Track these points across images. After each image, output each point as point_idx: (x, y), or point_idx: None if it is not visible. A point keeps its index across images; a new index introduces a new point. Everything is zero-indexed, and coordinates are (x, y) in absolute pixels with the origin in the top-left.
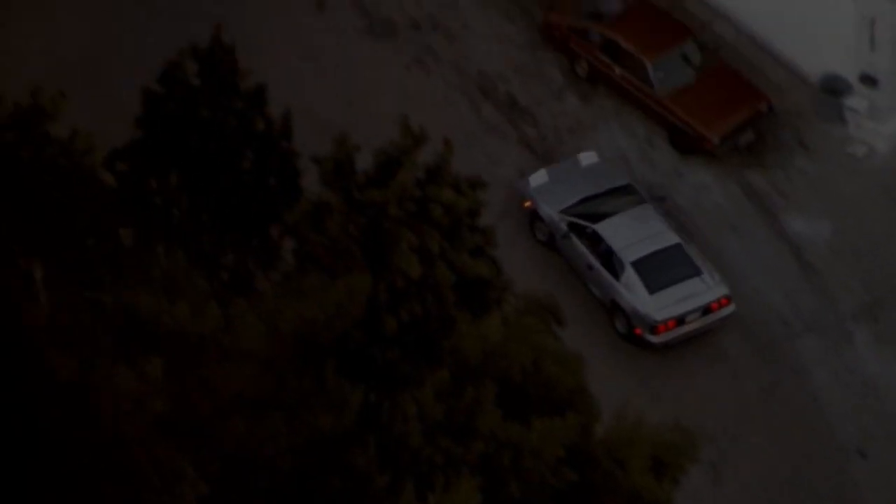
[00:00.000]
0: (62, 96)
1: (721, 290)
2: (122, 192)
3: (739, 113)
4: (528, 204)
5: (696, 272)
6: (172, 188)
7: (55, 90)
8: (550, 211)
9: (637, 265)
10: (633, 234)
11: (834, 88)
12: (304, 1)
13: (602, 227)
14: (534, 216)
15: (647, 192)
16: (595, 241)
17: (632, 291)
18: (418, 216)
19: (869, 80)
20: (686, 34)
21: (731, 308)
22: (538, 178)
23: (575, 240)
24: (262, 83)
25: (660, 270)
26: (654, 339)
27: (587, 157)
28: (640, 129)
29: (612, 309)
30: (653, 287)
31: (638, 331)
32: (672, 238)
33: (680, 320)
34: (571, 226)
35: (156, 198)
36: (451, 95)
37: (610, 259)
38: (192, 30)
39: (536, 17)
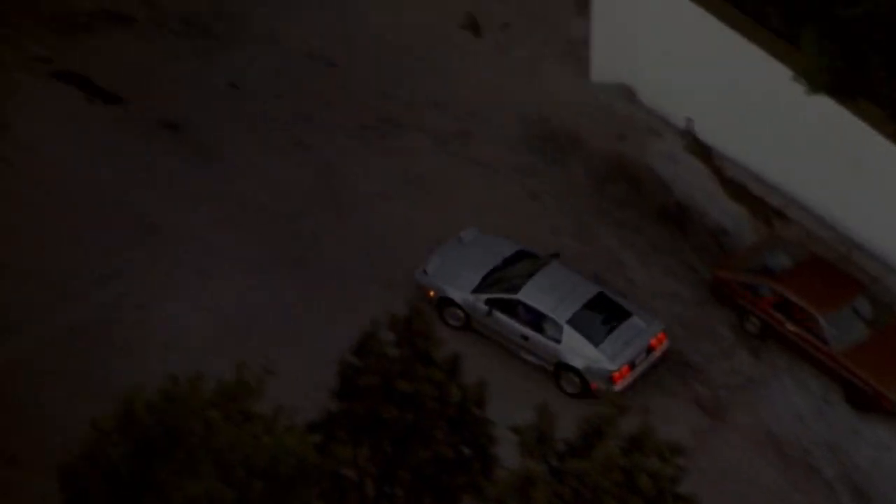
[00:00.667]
0: (267, 372)
1: (658, 326)
2: (319, 465)
3: None
4: (432, 293)
5: (627, 314)
6: (366, 460)
7: (260, 366)
8: (462, 294)
9: (573, 322)
10: (555, 293)
11: None
12: None
13: (525, 295)
14: (442, 303)
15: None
16: (522, 311)
17: (577, 350)
18: (624, 485)
19: None
20: (858, 288)
21: (667, 343)
22: (432, 265)
23: (499, 315)
24: (456, 352)
25: (595, 321)
26: (613, 389)
27: (468, 233)
28: (814, 386)
29: (559, 371)
30: (596, 340)
31: (594, 385)
32: (593, 287)
33: (631, 364)
34: (491, 302)
35: (349, 470)
36: None
37: (541, 324)
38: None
39: (702, 273)
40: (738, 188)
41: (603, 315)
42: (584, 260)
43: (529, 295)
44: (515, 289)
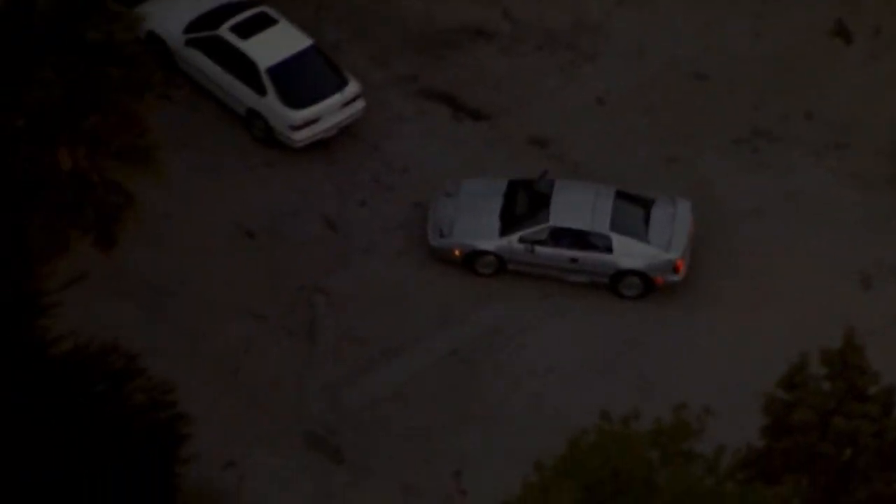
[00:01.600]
0: (707, 412)
1: (683, 202)
2: None
3: None
4: (458, 252)
5: (651, 201)
6: (804, 500)
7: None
8: (492, 242)
9: (615, 228)
10: (581, 207)
11: None
12: None
13: (556, 220)
14: (470, 257)
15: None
16: (562, 236)
17: (632, 252)
18: None
19: None
20: None
21: None
22: (443, 225)
23: (540, 249)
24: (892, 384)
25: (631, 219)
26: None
27: (451, 185)
28: None
29: (616, 279)
30: (643, 236)
31: (659, 280)
32: (608, 188)
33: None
34: (525, 238)
35: None
36: None
37: (586, 241)
38: None
39: None
40: None
41: (633, 211)
42: None
43: (560, 218)
44: (543, 217)
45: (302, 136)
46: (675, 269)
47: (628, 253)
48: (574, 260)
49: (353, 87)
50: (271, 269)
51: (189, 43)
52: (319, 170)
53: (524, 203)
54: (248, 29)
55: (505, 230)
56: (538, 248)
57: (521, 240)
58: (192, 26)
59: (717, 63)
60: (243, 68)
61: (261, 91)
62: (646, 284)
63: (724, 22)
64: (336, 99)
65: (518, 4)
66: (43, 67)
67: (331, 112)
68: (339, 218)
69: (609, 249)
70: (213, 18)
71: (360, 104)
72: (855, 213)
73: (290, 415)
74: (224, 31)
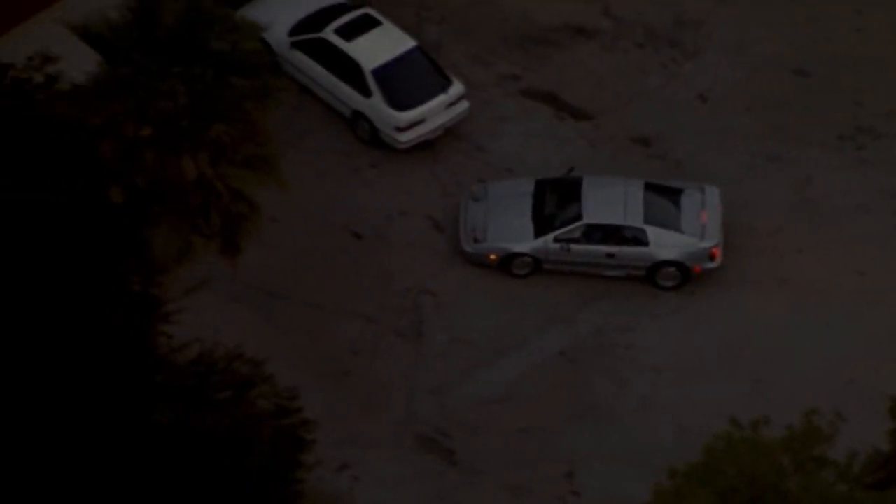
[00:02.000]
0: (839, 417)
1: (712, 189)
2: None
3: None
4: (493, 257)
5: (680, 190)
6: None
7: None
8: (528, 244)
9: (650, 221)
10: (612, 202)
11: None
12: None
13: (590, 217)
14: (506, 260)
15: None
16: (596, 233)
17: (668, 243)
18: None
19: None
20: None
21: None
22: (477, 231)
23: (576, 247)
24: None
25: (663, 211)
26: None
27: (478, 189)
28: None
29: (653, 271)
30: (677, 226)
31: (697, 268)
32: (637, 181)
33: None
34: (560, 238)
35: None
36: None
37: (621, 236)
38: None
39: None
40: None
41: (664, 202)
42: None
43: (593, 215)
44: (576, 216)
45: (407, 138)
46: (712, 257)
47: (664, 244)
48: (610, 255)
49: (456, 88)
50: (379, 271)
51: (294, 46)
52: (424, 170)
53: (554, 202)
54: (352, 31)
55: (539, 231)
56: (574, 247)
57: (557, 239)
58: (296, 29)
59: (819, 59)
60: (348, 70)
61: (366, 93)
62: (683, 274)
63: (825, 18)
64: (440, 100)
65: (618, 2)
66: (169, 78)
67: (435, 113)
68: (444, 218)
69: (645, 242)
70: (316, 21)
71: (463, 105)
72: None
73: (401, 416)
74: (328, 34)
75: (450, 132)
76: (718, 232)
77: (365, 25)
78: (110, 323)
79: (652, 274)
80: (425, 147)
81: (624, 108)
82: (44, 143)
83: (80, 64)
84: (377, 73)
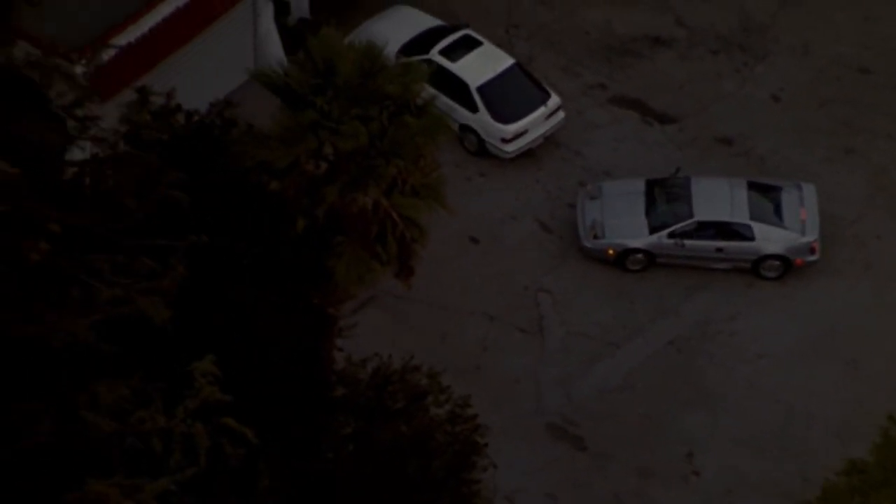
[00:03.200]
0: None
1: (808, 186)
2: None
3: None
4: (612, 251)
5: (779, 188)
6: None
7: None
8: (644, 240)
9: (755, 217)
10: (720, 200)
11: None
12: None
13: (700, 215)
14: (622, 255)
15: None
16: (706, 229)
17: (771, 238)
18: None
19: None
20: None
21: None
22: (596, 228)
23: (689, 242)
24: None
25: (765, 207)
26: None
27: (594, 189)
28: None
29: (758, 263)
30: (779, 223)
31: (799, 261)
32: (740, 180)
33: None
34: (674, 234)
35: None
36: None
37: (729, 231)
38: None
39: None
40: None
41: (766, 199)
42: None
43: (704, 213)
44: (688, 214)
45: (512, 148)
46: (812, 251)
47: (768, 238)
48: (720, 249)
49: (554, 100)
50: (497, 272)
51: None
52: (529, 177)
53: (664, 200)
54: (456, 51)
55: (654, 228)
56: (687, 242)
57: (671, 235)
58: (404, 50)
59: (878, 56)
60: (455, 88)
61: (472, 108)
62: (785, 266)
63: (881, 16)
64: (541, 112)
65: (688, 11)
66: (350, 121)
67: (536, 124)
68: (551, 220)
69: (751, 237)
70: (422, 43)
71: (560, 115)
72: None
73: (531, 407)
74: (435, 55)
75: (549, 141)
76: (817, 227)
77: (467, 46)
78: (298, 342)
79: (756, 266)
80: (528, 155)
81: (704, 111)
82: (233, 183)
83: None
84: (482, 89)
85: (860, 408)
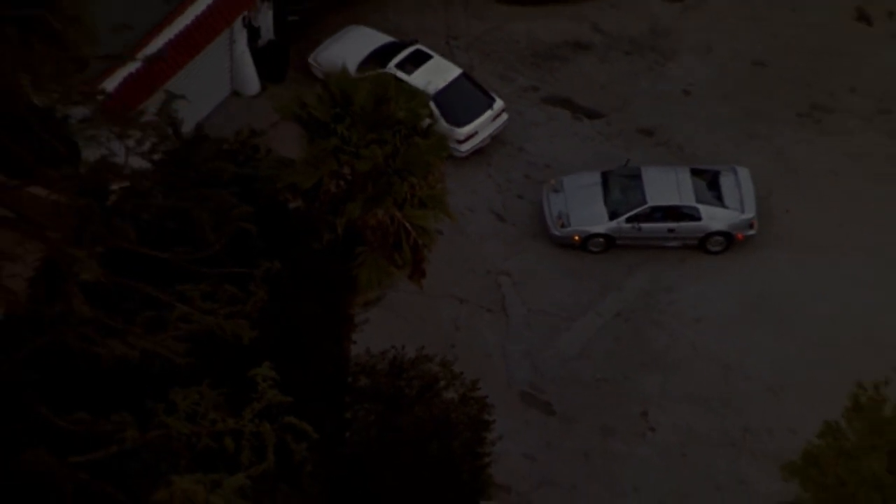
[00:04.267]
0: None
1: (742, 169)
2: None
3: None
4: (577, 237)
5: (717, 172)
6: None
7: None
8: (605, 225)
9: (700, 200)
10: (668, 186)
11: None
12: None
13: (653, 200)
14: (586, 240)
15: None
16: (658, 213)
17: (716, 217)
18: None
19: None
20: None
21: None
22: (561, 218)
23: (645, 225)
24: None
25: (707, 190)
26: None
27: (558, 183)
28: None
29: (704, 240)
30: (721, 203)
31: (740, 235)
32: (684, 168)
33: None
34: (631, 219)
35: None
36: None
37: (679, 213)
38: None
39: None
40: None
41: (707, 182)
42: None
43: (656, 198)
44: (641, 201)
45: (466, 148)
46: (751, 226)
47: (713, 217)
48: (671, 230)
49: (499, 103)
50: (462, 259)
51: None
52: (481, 172)
53: (619, 190)
54: (410, 64)
55: (612, 215)
56: (643, 225)
57: (628, 220)
58: (363, 65)
59: (769, 51)
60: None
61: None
62: (728, 241)
63: (768, 17)
64: (488, 114)
65: (602, 18)
66: (368, 145)
67: (485, 125)
68: (504, 210)
69: (698, 217)
70: (378, 57)
71: (504, 116)
72: None
73: (502, 378)
74: (392, 69)
75: (496, 139)
76: (754, 205)
77: (420, 59)
78: (331, 344)
79: (703, 242)
80: (479, 153)
81: (626, 106)
82: (265, 205)
83: None
84: (436, 98)
85: (788, 364)
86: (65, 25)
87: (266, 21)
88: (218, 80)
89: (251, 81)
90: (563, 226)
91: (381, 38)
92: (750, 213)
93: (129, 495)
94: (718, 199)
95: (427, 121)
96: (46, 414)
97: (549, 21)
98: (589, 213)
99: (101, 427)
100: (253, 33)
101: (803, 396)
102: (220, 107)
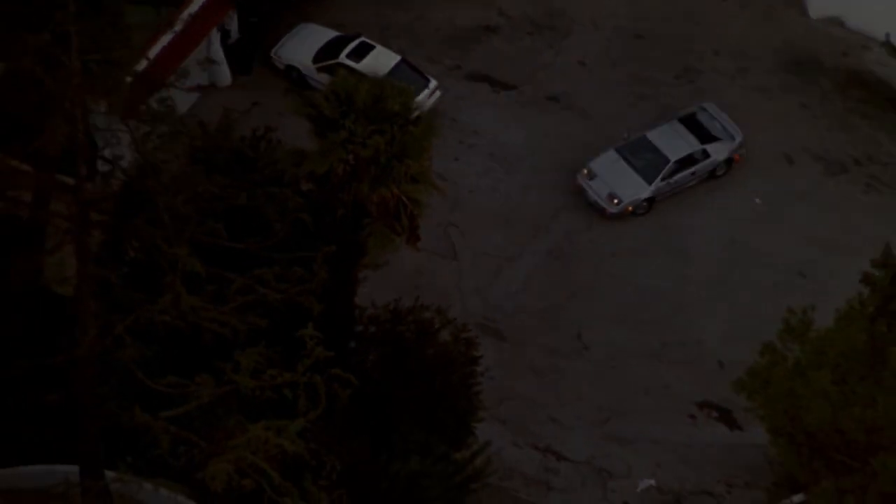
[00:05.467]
0: None
1: (706, 103)
2: None
3: None
4: (631, 209)
5: (693, 114)
6: None
7: None
8: (650, 191)
9: (704, 142)
10: (677, 141)
11: None
12: None
13: (673, 156)
14: (638, 207)
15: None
16: (679, 165)
17: (719, 151)
18: None
19: None
20: None
21: None
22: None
23: (675, 177)
24: None
25: (702, 133)
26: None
27: (593, 163)
28: None
29: (714, 170)
30: (719, 138)
31: (738, 157)
32: (674, 121)
33: None
34: (665, 177)
35: None
36: None
37: (694, 158)
38: None
39: None
40: None
41: (696, 124)
42: (849, 145)
43: (674, 154)
44: (665, 160)
45: None
46: (743, 146)
47: (718, 151)
48: (693, 173)
49: (433, 83)
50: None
51: (320, 70)
52: None
53: (637, 157)
54: (358, 54)
55: (649, 180)
56: (673, 179)
57: (663, 178)
58: (317, 57)
59: (645, 24)
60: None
61: None
62: (729, 165)
63: None
64: (426, 93)
65: (506, 4)
66: (372, 135)
67: (424, 102)
68: (446, 171)
69: (709, 155)
70: (329, 50)
71: (438, 93)
72: (768, 113)
73: (460, 312)
74: (343, 59)
75: (432, 112)
76: (738, 128)
77: (365, 49)
78: (346, 303)
79: (712, 173)
80: None
81: (533, 77)
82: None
83: None
84: None
85: (688, 286)
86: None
87: (233, 23)
88: (198, 74)
89: (224, 74)
90: (617, 203)
91: (330, 33)
92: (739, 137)
93: (211, 442)
94: (711, 135)
95: (417, 112)
96: (142, 378)
97: (462, 8)
98: (632, 186)
99: (189, 389)
100: (224, 34)
101: (705, 312)
102: (200, 97)
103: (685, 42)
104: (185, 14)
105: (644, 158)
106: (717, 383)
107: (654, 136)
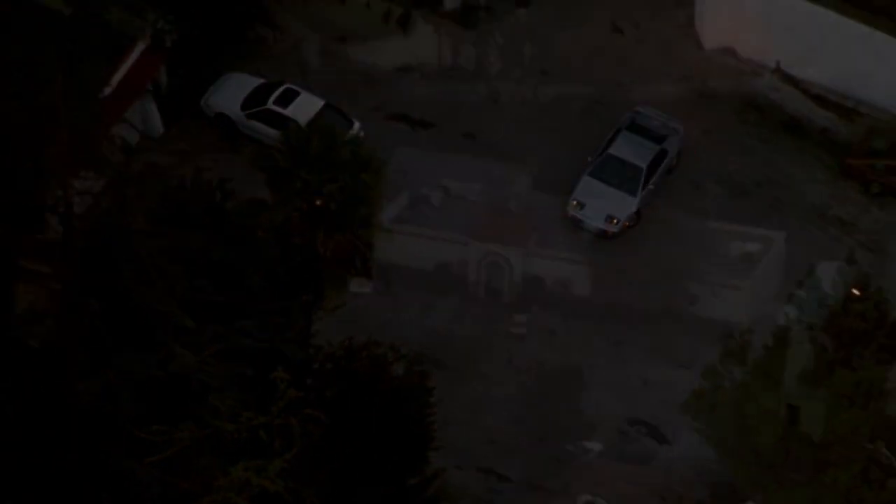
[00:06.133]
0: None
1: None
2: None
3: None
4: (627, 224)
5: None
6: None
7: None
8: (643, 202)
9: (662, 145)
10: (638, 149)
11: None
12: None
13: (643, 163)
14: (633, 218)
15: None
16: (652, 167)
17: (672, 146)
18: None
19: None
20: None
21: None
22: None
23: (652, 181)
24: None
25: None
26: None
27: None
28: None
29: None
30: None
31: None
32: (627, 128)
33: None
34: (644, 185)
35: None
36: None
37: (660, 160)
38: None
39: (825, 159)
40: (822, 100)
41: (643, 132)
42: (751, 166)
43: (642, 161)
44: (639, 169)
45: None
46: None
47: (671, 146)
48: (668, 171)
49: (357, 125)
50: None
51: (249, 116)
52: None
53: (612, 174)
54: (284, 100)
55: (633, 192)
56: (651, 181)
57: (643, 187)
58: (245, 105)
59: (550, 61)
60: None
61: None
62: (679, 157)
63: (545, 34)
64: (351, 135)
65: (419, 48)
66: (326, 183)
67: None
68: None
69: (666, 151)
70: (256, 97)
71: (362, 133)
72: None
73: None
74: (271, 105)
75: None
76: (676, 119)
77: (291, 95)
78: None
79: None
80: None
81: (451, 115)
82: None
83: None
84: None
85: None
86: None
87: (163, 76)
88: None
89: (157, 124)
90: (616, 223)
91: (255, 81)
92: (681, 128)
93: (196, 485)
94: (661, 134)
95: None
96: (127, 427)
97: (379, 52)
98: (621, 202)
99: (174, 434)
100: (156, 86)
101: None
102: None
103: (591, 74)
104: (119, 74)
105: (619, 174)
106: (642, 401)
107: (616, 150)
